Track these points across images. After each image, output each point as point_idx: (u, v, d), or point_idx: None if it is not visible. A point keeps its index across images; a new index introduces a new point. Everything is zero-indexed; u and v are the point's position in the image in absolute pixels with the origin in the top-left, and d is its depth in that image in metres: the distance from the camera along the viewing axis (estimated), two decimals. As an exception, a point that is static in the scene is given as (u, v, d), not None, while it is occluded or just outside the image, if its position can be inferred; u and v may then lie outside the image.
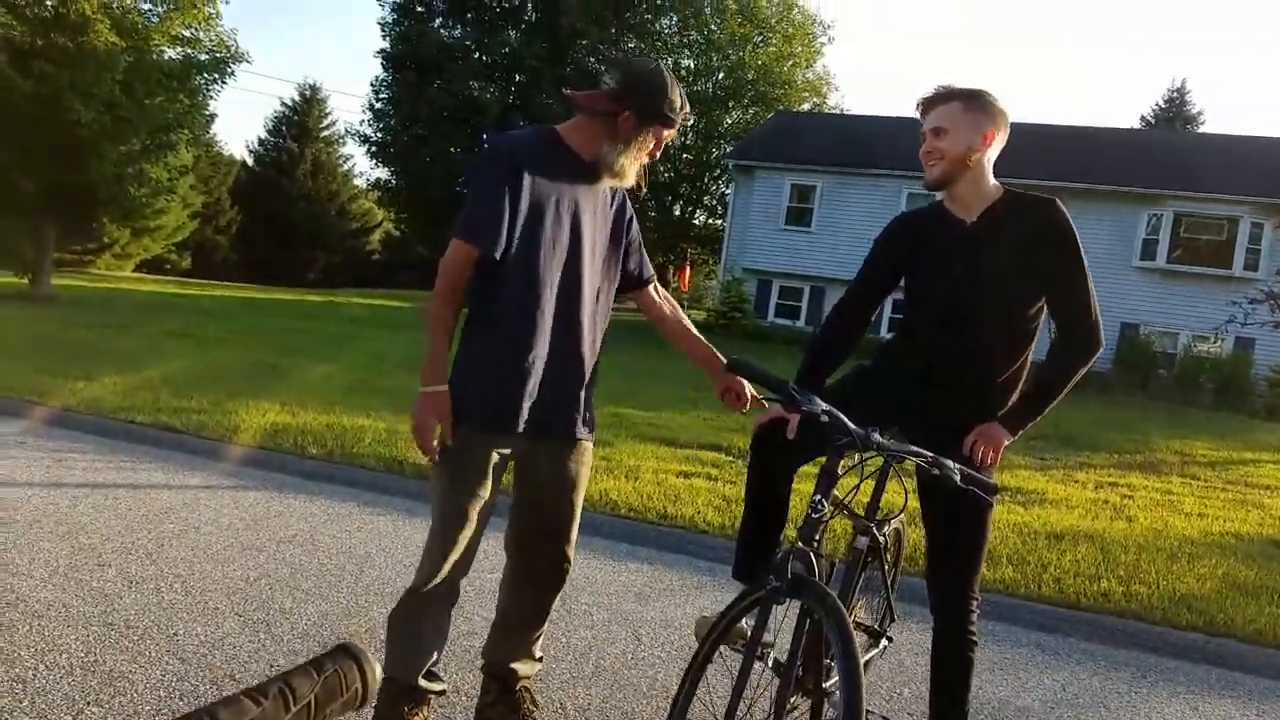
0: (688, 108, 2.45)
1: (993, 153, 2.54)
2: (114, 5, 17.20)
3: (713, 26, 37.84)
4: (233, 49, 18.89)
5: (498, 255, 2.35)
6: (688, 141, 37.73)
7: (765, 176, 25.93)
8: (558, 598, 2.67)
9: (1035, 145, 23.97)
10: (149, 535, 4.28)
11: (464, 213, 2.38)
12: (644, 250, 2.71)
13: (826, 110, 39.05)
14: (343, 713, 0.53)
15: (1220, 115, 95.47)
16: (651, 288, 2.74)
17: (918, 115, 2.59)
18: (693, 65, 38.43)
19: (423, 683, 2.52)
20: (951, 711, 2.58)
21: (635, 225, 2.66)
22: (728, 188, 33.57)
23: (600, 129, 2.39)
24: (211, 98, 19.81)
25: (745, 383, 2.66)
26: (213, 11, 18.53)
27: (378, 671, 0.51)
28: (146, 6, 18.26)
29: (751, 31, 37.88)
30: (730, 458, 7.62)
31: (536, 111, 33.15)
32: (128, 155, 18.20)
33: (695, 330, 2.80)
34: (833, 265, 24.88)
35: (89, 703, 2.61)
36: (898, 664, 3.60)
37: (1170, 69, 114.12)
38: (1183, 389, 19.46)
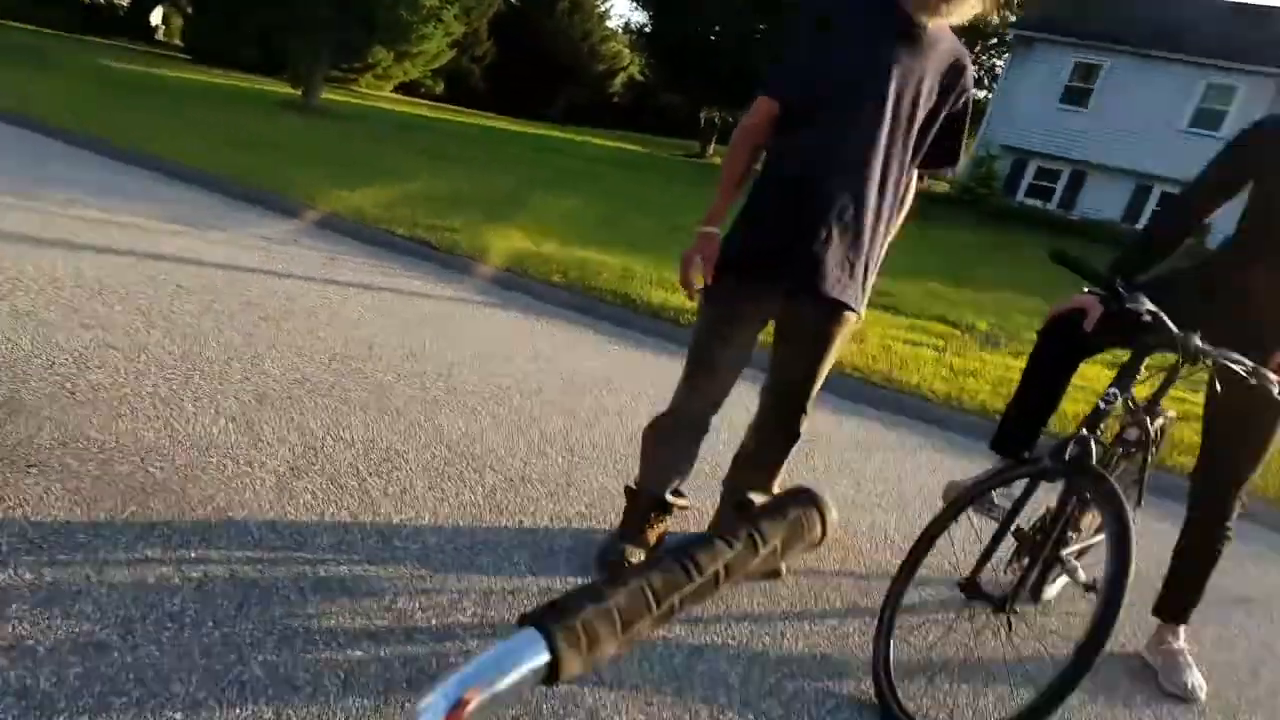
0: None
1: None
2: None
3: None
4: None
5: (790, 106, 2.31)
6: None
7: (1046, 50, 23.61)
8: (792, 448, 2.66)
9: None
10: (412, 336, 4.61)
11: (770, 65, 2.36)
12: (963, 134, 2.46)
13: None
14: (804, 552, 0.53)
15: None
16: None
17: None
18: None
19: (669, 497, 2.66)
20: (1187, 593, 2.64)
21: (967, 103, 2.40)
22: (1000, 59, 30.94)
23: None
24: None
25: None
26: None
27: (834, 516, 0.52)
28: None
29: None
30: (958, 331, 7.28)
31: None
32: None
33: (892, 234, 2.53)
34: (1101, 151, 22.69)
35: (370, 473, 2.89)
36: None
37: None
38: None
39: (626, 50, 47.01)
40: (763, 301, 2.43)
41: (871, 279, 2.47)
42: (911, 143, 2.35)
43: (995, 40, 33.66)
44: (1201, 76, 21.58)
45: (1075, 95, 23.36)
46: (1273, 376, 2.12)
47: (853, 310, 2.43)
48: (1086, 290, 2.39)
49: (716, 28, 30.57)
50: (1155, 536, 2.76)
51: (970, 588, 2.25)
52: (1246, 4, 24.39)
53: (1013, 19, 26.07)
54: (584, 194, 12.80)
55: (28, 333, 3.49)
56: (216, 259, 5.43)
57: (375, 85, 35.37)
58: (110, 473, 2.54)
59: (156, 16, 48.70)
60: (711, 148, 29.28)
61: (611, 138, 30.09)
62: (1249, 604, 3.38)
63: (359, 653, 1.98)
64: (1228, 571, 3.37)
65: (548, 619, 0.44)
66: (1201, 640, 2.90)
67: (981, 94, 34.21)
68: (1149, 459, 2.66)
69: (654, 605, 0.47)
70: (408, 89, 39.06)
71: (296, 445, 3.00)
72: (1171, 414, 2.81)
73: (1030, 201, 23.47)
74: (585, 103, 49.32)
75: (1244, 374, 2.12)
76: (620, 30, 41.77)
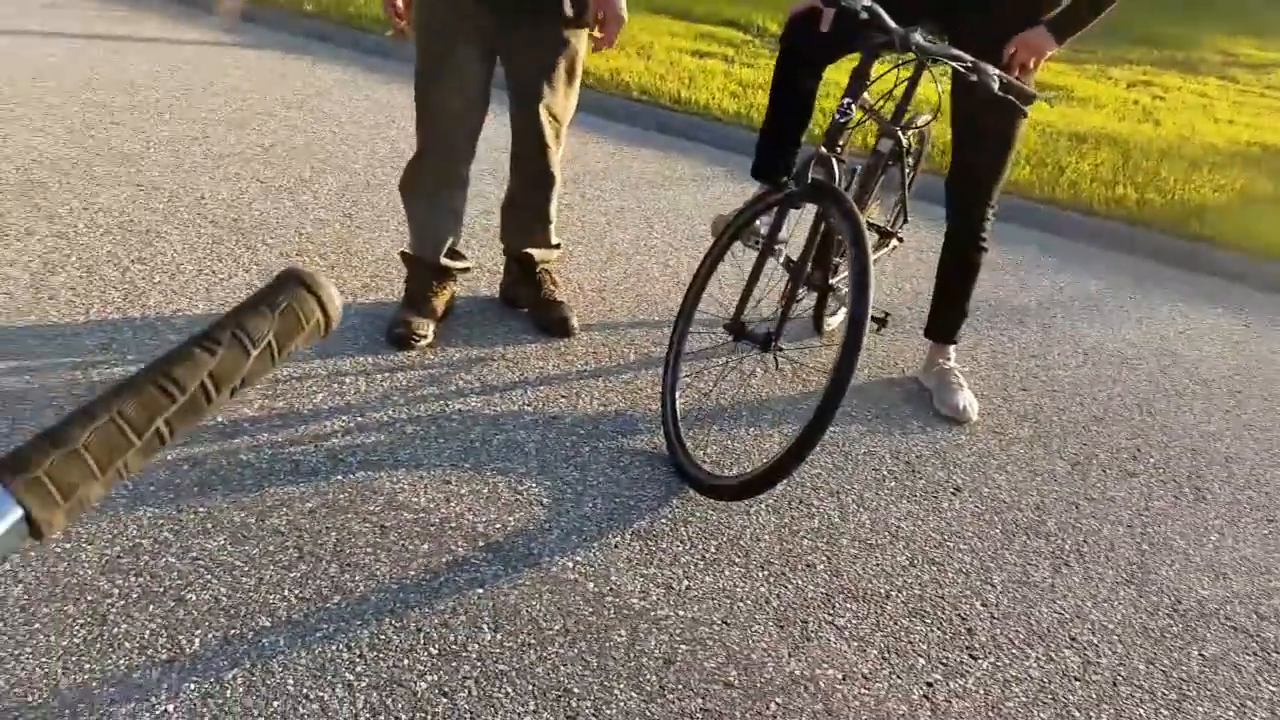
0: None
1: None
2: None
3: None
4: None
5: None
6: None
7: None
8: (554, 190, 2.59)
9: None
10: (157, 94, 4.16)
11: None
12: None
13: None
14: (306, 345, 0.49)
15: None
16: None
17: None
18: None
19: (445, 261, 2.58)
20: (951, 312, 2.71)
21: None
22: None
23: None
24: None
25: (615, 22, 2.33)
26: None
27: (335, 297, 0.46)
28: None
29: None
30: (747, 36, 7.22)
31: None
32: None
33: None
34: None
35: (133, 260, 2.71)
36: (902, 260, 3.71)
37: None
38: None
39: None
40: (479, 25, 2.29)
41: None
42: None
43: None
44: None
45: None
46: (993, 71, 2.07)
47: (570, 26, 2.34)
48: None
49: None
50: (935, 252, 2.73)
51: (736, 328, 2.22)
52: None
53: None
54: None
55: None
56: None
57: None
58: None
59: None
60: None
61: None
62: (1022, 314, 3.45)
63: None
64: (1002, 283, 3.68)
65: (5, 474, 0.39)
66: (976, 358, 2.99)
67: None
68: (908, 170, 2.67)
69: (133, 437, 0.42)
70: None
71: (47, 236, 2.76)
72: (927, 117, 2.71)
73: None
74: None
75: (962, 70, 2.08)
76: None
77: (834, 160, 2.14)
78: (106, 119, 3.77)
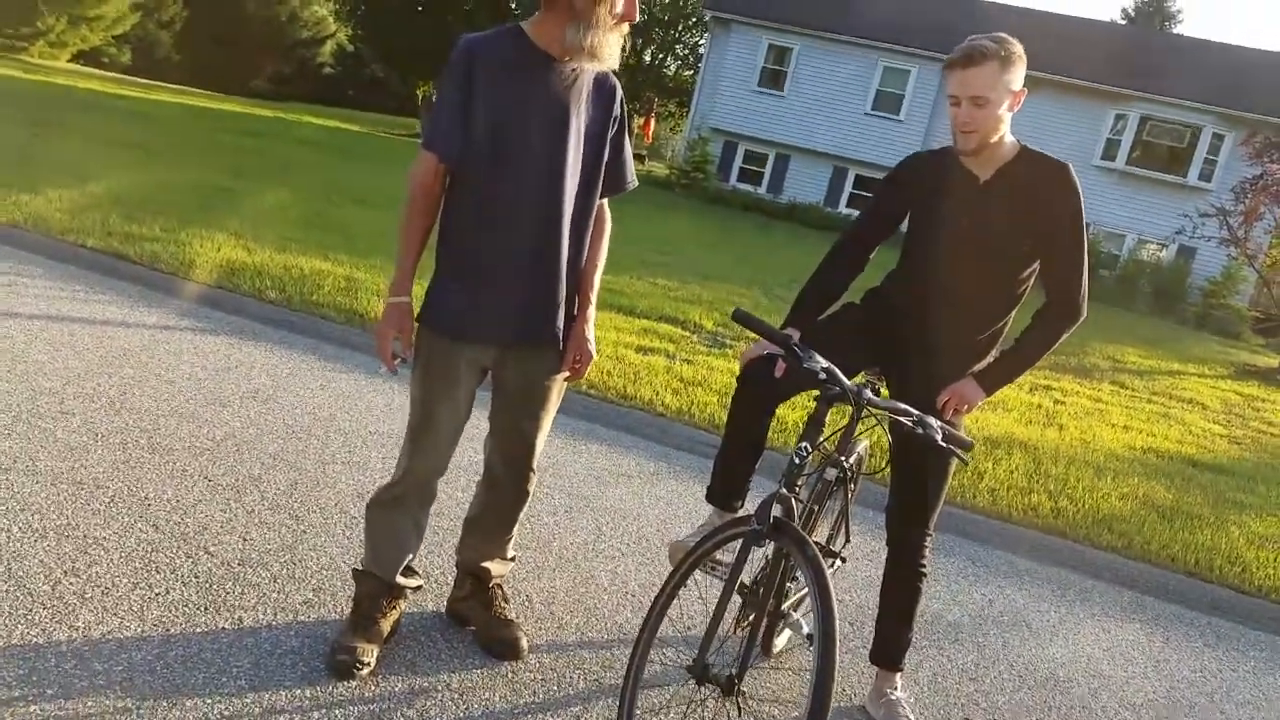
0: None
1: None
2: None
3: None
4: None
5: (454, 160, 2.34)
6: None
7: (742, 31, 25.05)
8: (524, 507, 2.71)
9: (1011, 31, 23.49)
10: (111, 381, 4.23)
11: (427, 120, 2.38)
12: (628, 156, 2.55)
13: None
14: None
15: (1198, 16, 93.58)
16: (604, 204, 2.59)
17: (946, 74, 2.51)
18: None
19: (400, 579, 2.58)
20: (896, 637, 2.79)
21: (624, 128, 2.52)
22: (702, 39, 32.34)
23: (561, 13, 2.27)
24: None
25: (585, 359, 2.56)
26: None
27: None
28: None
29: None
30: (686, 333, 7.72)
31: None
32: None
33: (599, 267, 2.60)
34: (801, 134, 24.51)
35: (65, 572, 2.64)
36: (842, 572, 3.81)
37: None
38: (1123, 292, 20.00)
39: (330, 17, 44.63)
40: (478, 354, 2.46)
41: (590, 314, 2.53)
42: (586, 181, 2.44)
43: (694, 20, 35.27)
44: (882, 60, 23.76)
45: (772, 77, 24.94)
46: (936, 424, 2.26)
47: (560, 349, 2.51)
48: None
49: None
50: (875, 565, 2.88)
51: (699, 671, 2.20)
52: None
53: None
54: (300, 186, 12.12)
55: None
56: None
57: (49, 54, 31.40)
58: None
59: None
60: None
61: (327, 115, 28.57)
62: (957, 630, 3.51)
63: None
64: (936, 595, 3.79)
65: None
66: (918, 680, 3.05)
67: (689, 74, 35.88)
68: (850, 495, 2.82)
69: None
70: (88, 58, 34.99)
71: (-24, 542, 2.69)
72: (865, 444, 3.01)
73: (743, 186, 24.97)
74: (294, 73, 46.50)
75: (910, 424, 2.29)
76: (323, -5, 39.51)
77: (793, 500, 2.27)
78: (56, 408, 3.80)
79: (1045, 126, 22.02)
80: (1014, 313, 2.70)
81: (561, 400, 2.63)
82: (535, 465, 2.63)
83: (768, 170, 25.20)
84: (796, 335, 2.60)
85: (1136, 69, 22.89)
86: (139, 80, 32.82)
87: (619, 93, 2.48)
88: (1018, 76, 2.46)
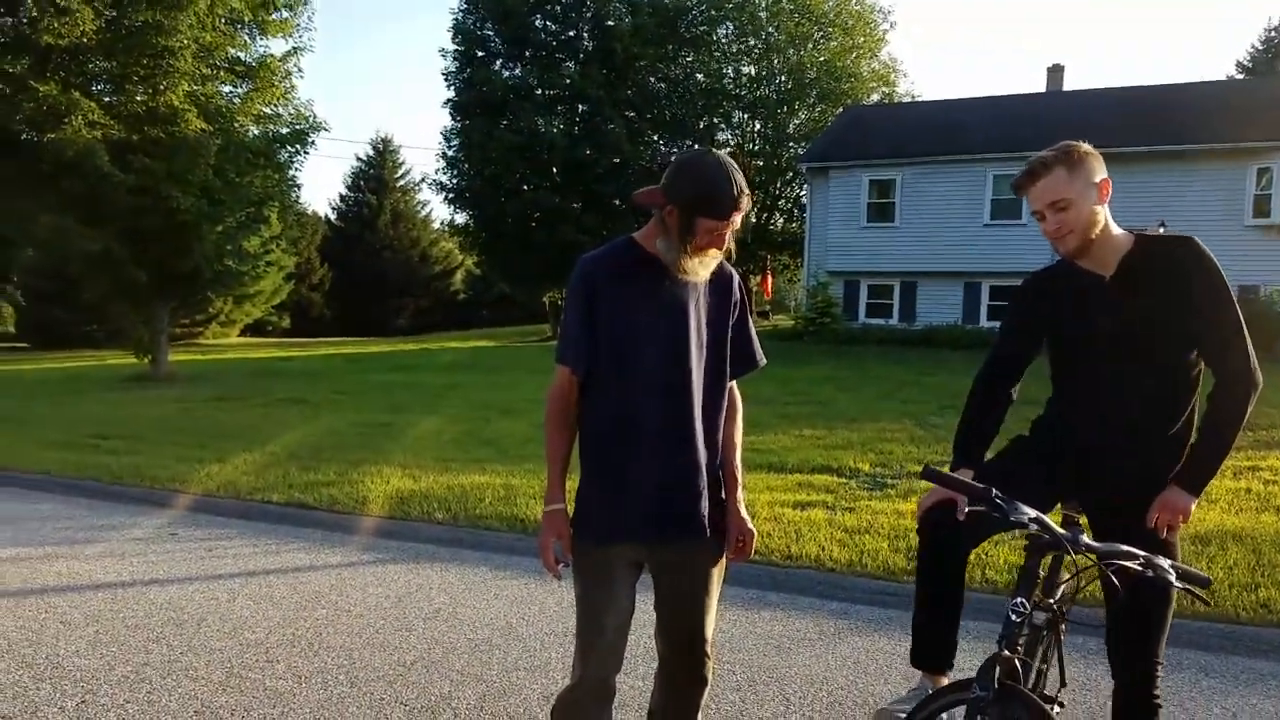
0: (742, 192, 2.37)
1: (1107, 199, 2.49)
2: (198, 93, 18.08)
3: (770, 29, 37.56)
4: (311, 119, 19.72)
5: (584, 372, 2.47)
6: (755, 147, 37.57)
7: (841, 176, 25.63)
8: (705, 694, 2.66)
9: (1123, 110, 23.16)
10: (306, 624, 4.49)
11: (559, 337, 2.54)
12: (752, 335, 2.64)
13: (897, 99, 38.40)
14: None
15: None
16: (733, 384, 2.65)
17: (1019, 196, 2.54)
18: (753, 71, 38.25)
19: None
20: None
21: (746, 311, 2.62)
22: (802, 190, 33.24)
23: (657, 226, 2.44)
24: (297, 169, 20.69)
25: (748, 537, 2.57)
26: (289, 86, 19.35)
27: None
28: (228, 89, 19.19)
29: (810, 29, 37.49)
30: (843, 479, 7.56)
31: (601, 138, 33.48)
32: (225, 234, 19.08)
33: (738, 446, 2.65)
34: (921, 258, 24.40)
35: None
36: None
37: (1265, 7, 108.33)
38: (1309, 349, 18.45)
39: (457, 250, 48.29)
40: (630, 552, 2.52)
41: (740, 494, 2.58)
42: (714, 368, 2.53)
43: (791, 175, 36.40)
44: (990, 169, 23.69)
45: (879, 211, 25.13)
46: (1165, 563, 2.12)
47: (717, 540, 2.53)
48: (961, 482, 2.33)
49: (534, 212, 32.06)
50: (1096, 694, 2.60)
51: None
52: (1011, 95, 27.32)
53: (800, 153, 27.81)
54: (451, 408, 12.86)
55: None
56: (96, 578, 5.25)
57: (221, 333, 35.16)
58: None
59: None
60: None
61: (465, 338, 30.46)
62: None
63: None
64: (1164, 715, 3.46)
65: None
66: None
67: (795, 226, 36.68)
68: (1062, 636, 2.62)
69: None
70: (254, 329, 38.94)
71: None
72: (1068, 582, 2.66)
73: (873, 321, 24.85)
74: (431, 305, 50.07)
75: (1138, 568, 2.13)
76: (449, 231, 42.88)
77: (1015, 660, 2.14)
78: (262, 658, 4.04)
79: (1188, 198, 21.24)
80: (1195, 400, 2.53)
81: (725, 576, 2.64)
82: (708, 650, 2.61)
83: (895, 301, 25.05)
84: (993, 490, 2.35)
85: (1267, 120, 21.96)
86: (299, 340, 36.11)
87: (735, 278, 2.60)
88: (1093, 170, 2.44)
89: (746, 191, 2.40)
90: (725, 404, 2.60)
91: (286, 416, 12.26)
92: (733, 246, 2.48)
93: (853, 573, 5.06)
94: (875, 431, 10.08)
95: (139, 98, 17.50)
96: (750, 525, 2.57)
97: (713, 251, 2.44)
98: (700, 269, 2.45)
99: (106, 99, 17.50)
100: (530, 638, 4.31)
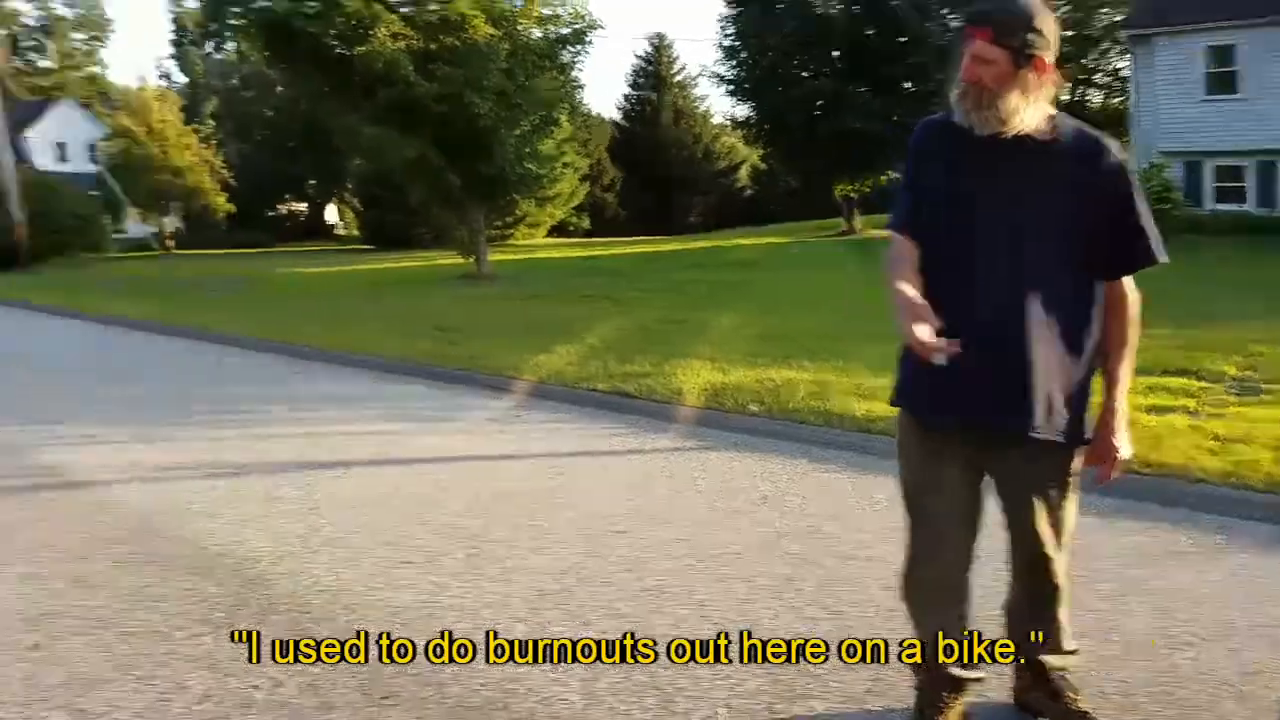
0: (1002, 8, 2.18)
1: None
2: (483, -1, 18.74)
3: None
4: (588, 18, 20.02)
5: (908, 236, 2.40)
6: (1063, 14, 33.70)
7: (1169, 43, 22.34)
8: (1058, 601, 2.54)
9: None
10: (649, 499, 4.84)
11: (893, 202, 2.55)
12: (1137, 230, 2.32)
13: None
14: None
15: None
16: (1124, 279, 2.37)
17: None
18: (1062, -72, 34.04)
19: (958, 671, 2.54)
20: None
21: (1126, 203, 2.30)
22: (1123, 60, 29.53)
23: (968, 89, 2.24)
24: (579, 69, 21.18)
25: (1108, 458, 2.36)
26: (565, -16, 19.66)
27: None
28: (509, -7, 19.75)
29: None
30: (1205, 383, 6.75)
31: (885, 15, 31.33)
32: (522, 137, 20.02)
33: (1124, 355, 2.37)
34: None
35: (665, 666, 3.03)
36: None
37: None
38: None
39: (739, 143, 47.76)
40: (943, 440, 2.40)
41: (1118, 406, 2.37)
42: (1061, 251, 2.27)
43: (1108, 44, 32.21)
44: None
45: (1219, 82, 21.68)
46: None
47: (1056, 444, 2.34)
48: None
49: (818, 101, 30.75)
50: None
51: None
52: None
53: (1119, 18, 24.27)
54: (748, 303, 12.99)
55: (337, 564, 3.93)
56: (460, 451, 6.03)
57: (528, 234, 37.61)
58: (445, 695, 2.86)
59: (332, 214, 53.81)
60: (858, 220, 29.01)
61: (756, 235, 30.40)
62: None
63: None
64: None
65: None
66: None
67: (1115, 101, 32.52)
68: None
69: None
70: (558, 230, 41.34)
71: (589, 647, 3.17)
72: None
73: (1223, 207, 21.77)
74: (719, 202, 50.38)
75: None
76: (730, 125, 42.40)
77: None
78: (609, 527, 4.39)
79: None
80: None
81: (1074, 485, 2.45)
82: (1056, 558, 2.46)
83: (1252, 183, 21.76)
84: None
85: None
86: (597, 239, 37.89)
87: (1107, 161, 2.28)
88: None
89: (1021, 9, 2.17)
90: (1094, 302, 2.33)
91: (595, 312, 12.95)
92: (989, 81, 2.18)
93: (1229, 484, 4.55)
94: (1239, 330, 8.86)
95: (431, 7, 18.41)
96: (1120, 448, 2.36)
97: (1035, 89, 2.20)
98: (1027, 112, 2.19)
99: (404, 9, 18.66)
100: (863, 529, 4.32)
